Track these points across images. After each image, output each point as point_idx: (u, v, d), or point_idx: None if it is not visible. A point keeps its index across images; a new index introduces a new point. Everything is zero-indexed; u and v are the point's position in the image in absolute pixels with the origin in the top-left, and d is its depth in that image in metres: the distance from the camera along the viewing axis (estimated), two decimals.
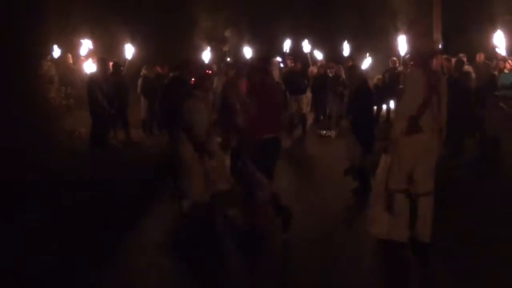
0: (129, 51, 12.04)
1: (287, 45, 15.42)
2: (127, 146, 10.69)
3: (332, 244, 5.36)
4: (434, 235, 5.30)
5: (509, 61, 9.78)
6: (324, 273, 4.66)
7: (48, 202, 6.61)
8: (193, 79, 6.33)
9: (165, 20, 16.20)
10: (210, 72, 6.47)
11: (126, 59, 11.89)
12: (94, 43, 14.33)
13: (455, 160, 8.54)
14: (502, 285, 4.34)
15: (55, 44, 13.87)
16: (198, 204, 5.61)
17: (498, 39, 10.31)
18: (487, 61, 10.53)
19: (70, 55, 14.24)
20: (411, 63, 4.92)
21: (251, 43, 15.44)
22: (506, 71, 9.78)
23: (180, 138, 5.74)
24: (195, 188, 5.63)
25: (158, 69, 12.63)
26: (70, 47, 14.40)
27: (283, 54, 15.18)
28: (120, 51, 12.75)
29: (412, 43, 4.94)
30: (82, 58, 13.62)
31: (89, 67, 10.33)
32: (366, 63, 13.30)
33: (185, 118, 5.58)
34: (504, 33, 10.26)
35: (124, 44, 12.68)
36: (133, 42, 12.54)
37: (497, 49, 10.49)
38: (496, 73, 9.93)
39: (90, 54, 13.62)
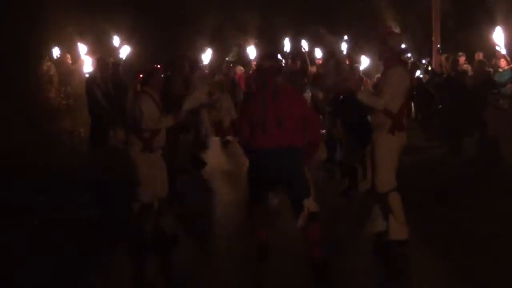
0: (124, 51, 12.03)
1: (287, 44, 15.39)
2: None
3: (332, 243, 5.36)
4: (434, 234, 5.34)
5: (502, 59, 9.77)
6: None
7: (47, 202, 6.61)
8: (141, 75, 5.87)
9: (163, 19, 16.20)
10: (159, 67, 6.12)
11: (120, 59, 11.87)
12: (92, 43, 14.30)
13: (454, 159, 8.56)
14: (502, 284, 4.34)
15: (55, 44, 13.85)
16: (146, 207, 5.22)
17: (498, 38, 10.29)
18: (482, 59, 10.53)
19: (68, 55, 14.22)
20: (388, 62, 4.93)
21: (254, 42, 15.42)
22: (500, 69, 9.78)
23: (129, 139, 5.28)
24: (143, 191, 5.20)
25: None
26: (69, 47, 14.38)
27: (283, 53, 15.16)
28: (117, 51, 12.69)
29: (385, 44, 4.95)
30: (81, 58, 13.61)
31: (88, 67, 10.29)
32: (365, 62, 13.27)
33: (132, 116, 5.18)
34: (504, 32, 10.23)
35: (120, 43, 12.63)
36: (129, 42, 12.50)
37: (497, 47, 10.47)
38: (491, 70, 9.92)
39: (88, 54, 13.60)
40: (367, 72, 11.44)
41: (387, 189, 4.90)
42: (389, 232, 4.95)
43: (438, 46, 13.38)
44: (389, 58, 4.94)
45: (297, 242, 4.85)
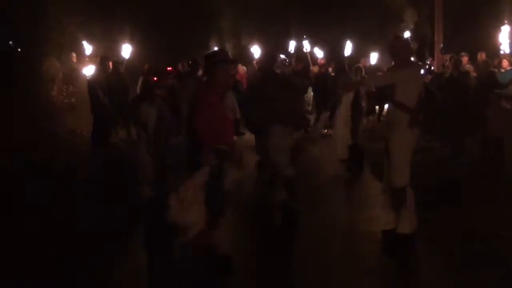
0: (126, 50, 12.05)
1: (292, 44, 15.40)
2: (129, 145, 10.69)
3: (332, 243, 5.37)
4: (435, 235, 5.34)
5: (504, 60, 9.76)
6: (324, 273, 4.66)
7: (49, 201, 6.62)
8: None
9: (166, 18, 16.20)
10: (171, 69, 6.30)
11: (123, 59, 11.89)
12: (96, 42, 14.32)
13: (456, 160, 8.53)
14: (503, 284, 4.33)
15: (59, 43, 13.86)
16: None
17: (503, 37, 10.28)
18: (486, 59, 10.52)
19: (74, 54, 14.24)
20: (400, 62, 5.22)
21: (258, 42, 15.39)
22: (502, 70, 9.76)
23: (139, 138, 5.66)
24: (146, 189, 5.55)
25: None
26: (74, 46, 14.39)
27: (288, 54, 15.15)
28: (120, 50, 12.72)
29: (404, 47, 5.32)
30: (86, 58, 13.62)
31: (91, 67, 10.31)
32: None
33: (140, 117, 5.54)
34: (510, 32, 10.22)
35: (123, 43, 12.65)
36: (131, 41, 12.51)
37: (501, 46, 10.45)
38: (496, 70, 9.90)
39: (93, 53, 13.61)
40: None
41: (404, 183, 5.05)
42: (399, 226, 5.08)
43: (441, 46, 13.35)
44: (400, 60, 5.22)
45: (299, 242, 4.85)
